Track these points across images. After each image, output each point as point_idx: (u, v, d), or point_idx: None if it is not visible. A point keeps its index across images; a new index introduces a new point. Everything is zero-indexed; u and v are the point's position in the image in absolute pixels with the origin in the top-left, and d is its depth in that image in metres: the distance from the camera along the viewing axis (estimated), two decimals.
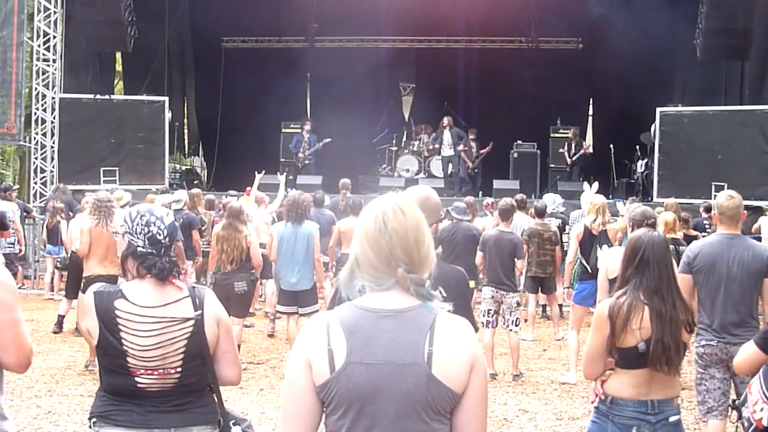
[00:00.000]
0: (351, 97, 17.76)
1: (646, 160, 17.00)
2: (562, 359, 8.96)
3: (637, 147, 17.43)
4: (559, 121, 18.30)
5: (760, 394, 3.39)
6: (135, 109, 16.93)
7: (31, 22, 16.42)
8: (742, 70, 16.61)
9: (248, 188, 12.67)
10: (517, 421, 6.72)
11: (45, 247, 12.95)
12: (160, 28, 18.22)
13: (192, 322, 2.92)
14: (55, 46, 16.13)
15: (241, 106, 20.44)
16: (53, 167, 16.25)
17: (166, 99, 17.13)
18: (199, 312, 2.94)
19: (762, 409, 3.35)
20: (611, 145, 17.53)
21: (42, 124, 16.24)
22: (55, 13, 16.04)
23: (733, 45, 15.35)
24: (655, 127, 15.87)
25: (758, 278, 4.94)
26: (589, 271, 7.91)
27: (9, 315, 2.84)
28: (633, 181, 17.58)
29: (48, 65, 16.15)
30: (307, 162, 17.63)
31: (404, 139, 18.75)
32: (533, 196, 15.69)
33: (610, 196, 16.20)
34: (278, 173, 14.32)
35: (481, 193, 16.52)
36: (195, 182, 18.03)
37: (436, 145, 17.78)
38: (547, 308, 11.34)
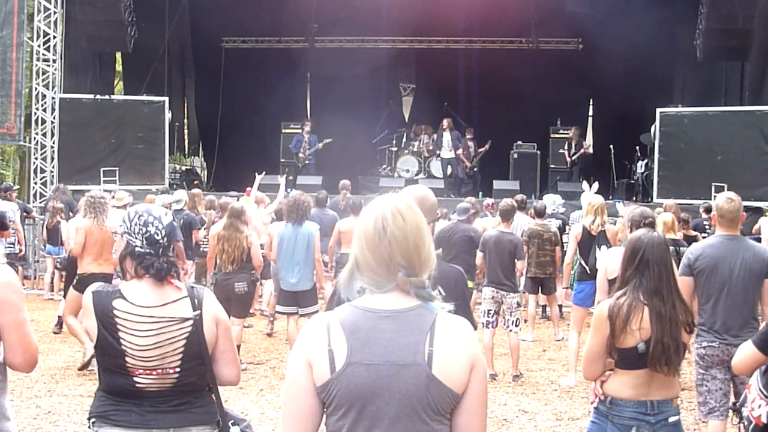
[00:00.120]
0: (351, 97, 17.78)
1: (646, 161, 17.01)
2: (562, 360, 8.96)
3: (637, 147, 17.43)
4: (559, 122, 18.30)
5: (758, 391, 3.39)
6: (135, 110, 16.93)
7: (31, 22, 16.41)
8: (741, 70, 16.62)
9: (248, 188, 12.66)
10: (517, 422, 6.72)
11: (45, 247, 12.95)
12: (160, 28, 18.24)
13: (191, 322, 2.92)
14: (55, 46, 16.12)
15: (241, 106, 20.45)
16: (53, 167, 16.24)
17: (166, 99, 17.13)
18: (198, 312, 2.93)
19: (760, 406, 3.36)
20: (611, 146, 17.52)
21: (42, 125, 16.24)
22: (55, 13, 16.04)
23: (733, 46, 15.37)
24: (655, 128, 15.87)
25: (759, 279, 4.94)
26: (588, 271, 7.91)
27: (15, 315, 2.86)
28: (633, 181, 17.58)
29: (48, 65, 16.15)
30: (307, 162, 17.64)
31: (404, 139, 18.75)
32: (533, 196, 15.69)
33: (610, 197, 16.22)
34: (279, 175, 14.34)
35: (481, 193, 16.52)
36: (195, 182, 18.03)
37: (437, 151, 17.82)
38: (547, 309, 11.34)
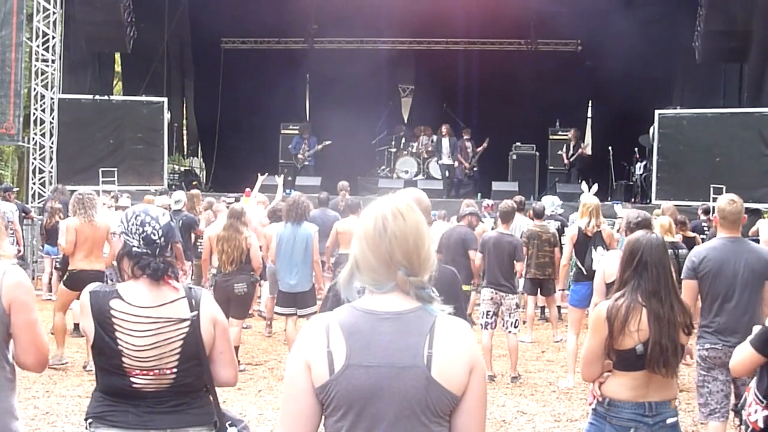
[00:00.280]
0: (350, 98, 17.77)
1: (644, 163, 17.02)
2: (560, 361, 8.96)
3: (636, 149, 17.44)
4: (558, 123, 18.31)
5: (754, 396, 3.39)
6: (134, 110, 16.93)
7: (30, 22, 16.40)
8: (740, 72, 16.63)
9: (247, 189, 12.66)
10: (516, 423, 6.72)
11: (43, 247, 12.94)
12: (159, 28, 18.24)
13: (188, 322, 2.91)
14: (54, 46, 16.12)
15: (241, 107, 20.46)
16: (52, 168, 16.23)
17: (165, 100, 17.13)
18: (195, 313, 2.93)
19: (756, 411, 3.36)
20: (610, 147, 17.53)
21: (41, 125, 16.22)
22: (54, 13, 16.04)
23: (732, 47, 15.38)
24: (654, 130, 15.88)
25: (761, 281, 4.95)
26: (584, 273, 7.91)
27: (27, 315, 2.89)
28: (632, 183, 17.60)
29: (47, 66, 16.15)
30: (306, 163, 17.64)
31: (403, 140, 18.76)
32: (532, 198, 15.70)
33: (609, 199, 16.23)
34: (276, 175, 14.33)
35: (480, 194, 16.53)
36: (194, 183, 18.03)
37: (436, 156, 17.86)
38: (546, 310, 11.34)
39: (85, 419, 2.99)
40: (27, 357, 2.91)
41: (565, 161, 17.34)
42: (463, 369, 2.06)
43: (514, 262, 8.27)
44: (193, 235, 11.11)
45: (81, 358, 8.41)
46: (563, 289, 9.12)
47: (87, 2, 15.88)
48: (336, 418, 2.05)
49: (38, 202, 15.69)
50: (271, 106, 19.22)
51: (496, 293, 8.16)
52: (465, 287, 9.17)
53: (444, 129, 17.89)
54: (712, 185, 14.43)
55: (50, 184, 15.73)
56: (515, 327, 8.19)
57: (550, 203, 12.12)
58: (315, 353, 2.06)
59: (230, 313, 7.80)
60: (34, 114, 16.19)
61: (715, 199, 14.00)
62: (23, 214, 13.84)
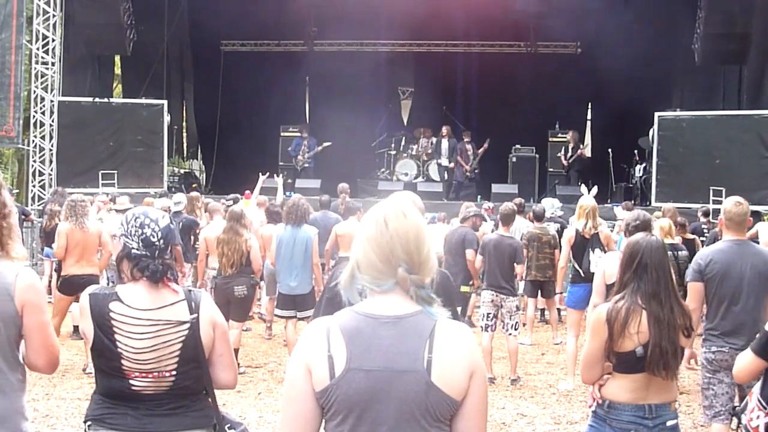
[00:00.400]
0: (350, 100, 17.77)
1: (644, 165, 17.02)
2: (560, 363, 8.96)
3: (636, 151, 17.44)
4: (557, 126, 18.31)
5: (757, 401, 3.39)
6: (134, 113, 16.94)
7: (30, 24, 16.41)
8: (740, 74, 16.64)
9: (247, 191, 12.66)
10: (516, 426, 6.72)
11: (43, 250, 12.93)
12: (159, 31, 18.24)
13: (187, 325, 2.91)
14: (54, 49, 16.13)
15: (240, 109, 20.46)
16: (52, 170, 16.24)
17: (165, 102, 17.14)
18: (195, 315, 2.93)
19: (759, 417, 3.35)
20: (609, 150, 17.54)
21: (41, 127, 16.23)
22: (54, 16, 16.04)
23: (732, 50, 15.39)
24: (654, 132, 15.88)
25: (767, 284, 4.94)
26: (582, 274, 7.90)
27: (40, 317, 2.91)
28: (631, 185, 17.59)
29: (47, 68, 16.15)
30: (306, 165, 17.64)
31: (403, 142, 18.76)
32: (531, 200, 15.69)
33: (609, 201, 16.23)
34: (275, 175, 14.32)
35: (479, 197, 16.53)
36: (193, 186, 18.03)
37: (437, 159, 17.87)
38: (546, 312, 11.34)
39: (84, 422, 2.99)
40: (38, 358, 2.93)
41: (564, 163, 17.35)
42: (463, 373, 2.06)
43: (515, 264, 8.26)
44: (192, 237, 11.11)
45: (81, 361, 8.41)
46: (561, 292, 9.10)
47: (87, 5, 15.90)
48: (336, 422, 2.06)
49: (38, 205, 15.68)
50: (270, 109, 19.22)
51: (496, 296, 8.15)
52: (464, 288, 9.18)
53: (444, 130, 17.91)
54: (711, 187, 14.45)
55: (50, 186, 15.72)
56: (515, 329, 8.19)
57: (550, 205, 12.10)
58: (316, 357, 2.06)
59: (230, 316, 7.80)
60: (33, 116, 16.20)
61: (714, 201, 14.09)
62: (23, 217, 13.82)
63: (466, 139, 18.14)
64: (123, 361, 2.86)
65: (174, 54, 20.37)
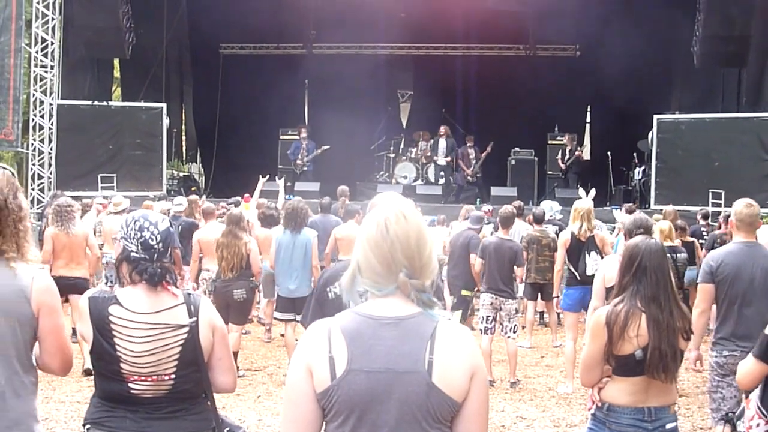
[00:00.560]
0: (349, 103, 17.78)
1: (643, 167, 17.03)
2: (559, 366, 8.95)
3: (635, 154, 17.45)
4: (556, 128, 18.31)
5: (756, 409, 3.37)
6: (133, 116, 16.95)
7: (29, 28, 16.42)
8: (739, 77, 16.65)
9: (246, 195, 12.65)
10: (515, 428, 6.72)
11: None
12: (158, 34, 18.25)
13: (186, 329, 2.91)
14: (53, 52, 16.14)
15: (239, 112, 20.45)
16: (51, 173, 16.24)
17: (164, 105, 17.15)
18: (194, 319, 2.93)
19: (758, 425, 3.34)
20: (608, 152, 17.55)
21: (40, 131, 16.24)
22: (53, 19, 16.06)
23: (731, 52, 15.39)
24: (653, 134, 15.90)
25: None
26: (578, 277, 7.88)
27: (55, 320, 2.94)
28: (630, 188, 17.60)
29: (46, 71, 16.16)
30: (305, 168, 17.64)
31: (402, 145, 18.76)
32: (530, 203, 15.70)
33: (608, 203, 16.24)
34: (276, 178, 14.31)
35: (479, 200, 16.52)
36: (193, 189, 18.04)
37: (434, 157, 17.85)
38: (545, 315, 11.33)
39: (83, 425, 3.00)
40: (53, 361, 2.95)
41: (561, 166, 17.35)
42: (464, 375, 2.06)
43: (515, 267, 8.26)
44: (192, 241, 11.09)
45: (78, 363, 8.37)
46: (557, 296, 9.09)
47: (86, 8, 15.90)
48: (337, 423, 2.06)
49: (37, 208, 15.67)
50: (269, 112, 19.22)
51: (495, 298, 8.15)
52: (465, 292, 9.16)
53: (442, 129, 17.88)
54: (710, 190, 14.46)
55: (49, 189, 15.72)
56: (514, 332, 8.19)
57: (549, 208, 12.11)
58: (317, 358, 2.06)
59: (229, 319, 7.80)
60: (33, 120, 16.21)
61: (714, 204, 14.10)
62: None
63: (468, 144, 18.15)
64: (122, 365, 2.86)
65: (173, 57, 20.37)
